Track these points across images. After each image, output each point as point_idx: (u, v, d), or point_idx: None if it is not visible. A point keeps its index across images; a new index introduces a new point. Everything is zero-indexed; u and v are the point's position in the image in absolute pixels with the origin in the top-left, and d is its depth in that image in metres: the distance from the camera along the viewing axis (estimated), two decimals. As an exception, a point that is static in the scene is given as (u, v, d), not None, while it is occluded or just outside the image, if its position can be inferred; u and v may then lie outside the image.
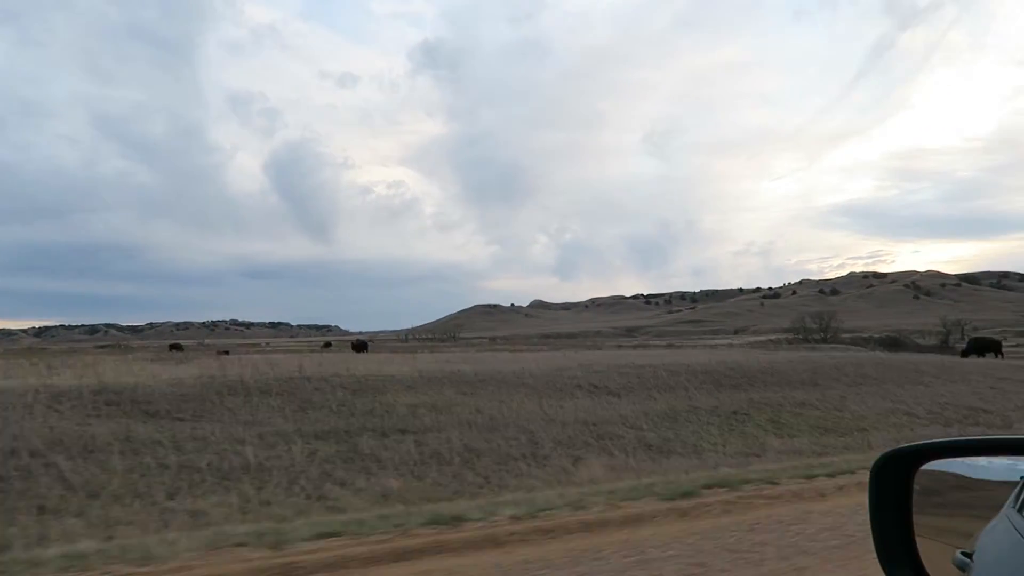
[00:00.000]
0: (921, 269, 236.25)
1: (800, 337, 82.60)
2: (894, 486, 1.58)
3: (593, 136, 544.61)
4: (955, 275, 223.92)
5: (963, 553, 1.39)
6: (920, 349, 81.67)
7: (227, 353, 65.93)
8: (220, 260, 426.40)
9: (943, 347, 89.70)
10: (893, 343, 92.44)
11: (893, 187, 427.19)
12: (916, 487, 1.56)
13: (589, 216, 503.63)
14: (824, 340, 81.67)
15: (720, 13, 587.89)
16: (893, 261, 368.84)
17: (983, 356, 36.22)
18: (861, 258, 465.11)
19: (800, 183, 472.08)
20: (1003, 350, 38.16)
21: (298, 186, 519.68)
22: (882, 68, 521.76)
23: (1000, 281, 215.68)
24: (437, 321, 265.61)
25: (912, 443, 1.65)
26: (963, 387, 18.65)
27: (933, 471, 1.55)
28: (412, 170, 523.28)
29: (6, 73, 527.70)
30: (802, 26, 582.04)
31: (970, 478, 1.52)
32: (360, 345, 50.67)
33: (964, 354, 38.87)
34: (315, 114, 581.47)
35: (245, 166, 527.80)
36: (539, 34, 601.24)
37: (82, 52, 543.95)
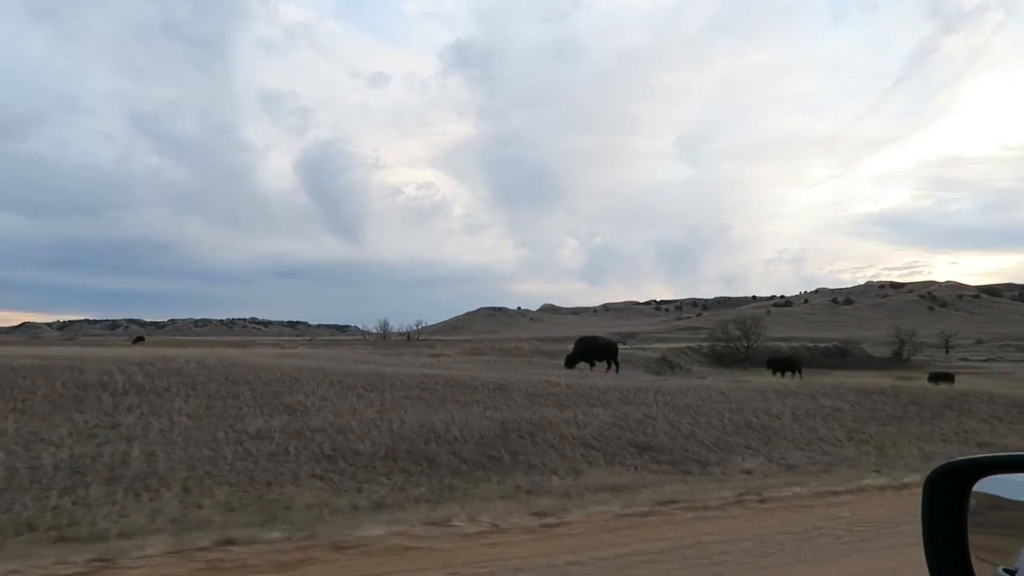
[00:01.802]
0: (964, 281, 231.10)
1: (721, 345, 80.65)
2: (948, 500, 1.55)
3: (624, 140, 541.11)
4: (975, 287, 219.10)
5: (1005, 570, 1.40)
6: (857, 363, 79.31)
7: (142, 340, 65.83)
8: (250, 258, 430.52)
9: (894, 358, 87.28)
10: (840, 353, 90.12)
11: (929, 196, 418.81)
12: (972, 502, 1.54)
13: (619, 221, 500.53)
14: (747, 349, 79.69)
15: (756, 15, 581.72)
16: (930, 272, 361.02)
17: (782, 374, 33.88)
18: (896, 268, 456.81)
19: (834, 191, 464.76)
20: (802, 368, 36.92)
21: (328, 186, 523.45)
22: (923, 74, 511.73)
23: (1022, 294, 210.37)
24: (444, 323, 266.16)
25: (970, 456, 1.61)
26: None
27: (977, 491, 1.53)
28: (442, 171, 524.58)
29: (43, 69, 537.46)
30: (841, 29, 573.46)
31: (1009, 499, 1.50)
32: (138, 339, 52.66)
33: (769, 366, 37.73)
34: (346, 114, 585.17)
35: (276, 165, 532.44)
36: (572, 35, 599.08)
37: (117, 49, 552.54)
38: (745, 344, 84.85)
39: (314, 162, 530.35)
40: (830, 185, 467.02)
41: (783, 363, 39.88)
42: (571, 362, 23.68)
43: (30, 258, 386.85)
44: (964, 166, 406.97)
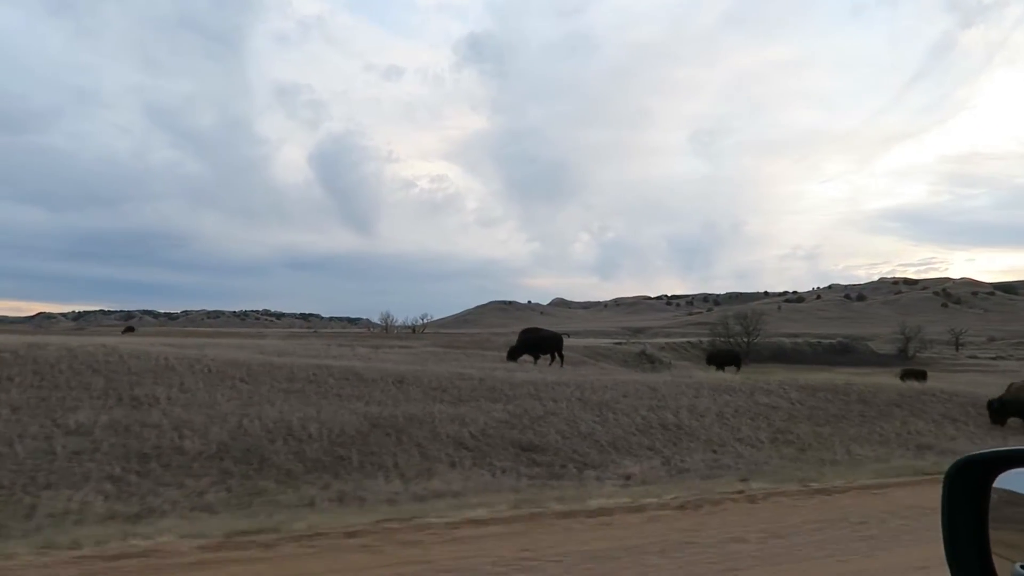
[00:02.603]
0: (980, 278, 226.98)
1: (721, 340, 79.34)
2: (969, 494, 1.53)
3: (638, 134, 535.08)
4: (990, 284, 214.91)
5: (1022, 566, 1.38)
6: (862, 360, 77.55)
7: (132, 330, 65.93)
8: (264, 251, 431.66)
9: (900, 356, 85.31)
10: (844, 350, 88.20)
11: (947, 192, 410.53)
12: (1000, 494, 1.51)
13: (632, 216, 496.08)
14: (747, 345, 78.19)
15: (772, 9, 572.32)
16: (946, 269, 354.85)
17: (723, 368, 32.18)
18: (912, 265, 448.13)
19: (850, 186, 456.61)
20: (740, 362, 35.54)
21: (342, 179, 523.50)
22: (942, 68, 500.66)
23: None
24: (454, 316, 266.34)
25: (991, 449, 1.58)
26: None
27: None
28: (455, 165, 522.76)
29: (63, 63, 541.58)
30: (859, 24, 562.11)
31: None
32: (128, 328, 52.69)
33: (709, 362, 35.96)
34: (360, 107, 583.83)
35: (290, 158, 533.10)
36: (586, 29, 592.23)
37: (135, 42, 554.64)
38: (745, 340, 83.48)
39: (328, 155, 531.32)
40: (846, 180, 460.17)
41: (722, 357, 37.89)
42: (513, 355, 22.65)
43: (48, 249, 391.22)
44: (982, 162, 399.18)
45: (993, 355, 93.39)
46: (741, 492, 7.67)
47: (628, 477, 10.01)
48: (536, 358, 22.91)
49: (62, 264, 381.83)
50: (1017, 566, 1.39)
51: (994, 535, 1.51)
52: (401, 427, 10.97)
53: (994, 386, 34.42)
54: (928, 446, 13.91)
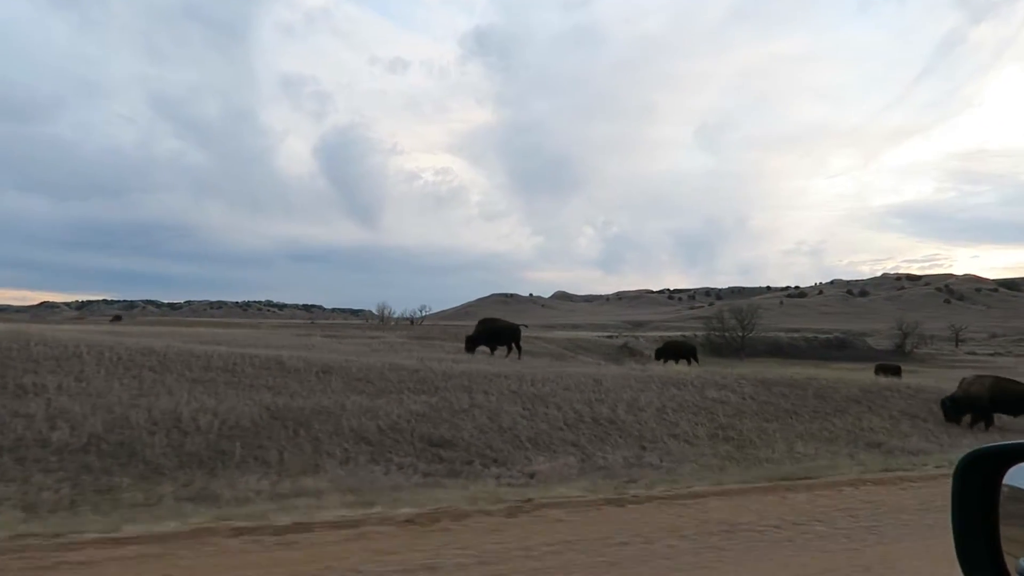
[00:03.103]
0: (985, 275, 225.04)
1: (717, 335, 78.60)
2: (979, 488, 1.52)
3: (643, 128, 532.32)
4: (993, 280, 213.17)
5: None
6: (858, 356, 76.73)
7: (119, 319, 65.80)
8: (268, 242, 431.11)
9: (897, 351, 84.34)
10: (840, 345, 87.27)
11: (952, 189, 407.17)
12: (1004, 489, 1.51)
13: (636, 210, 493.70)
14: (742, 339, 77.41)
15: (779, 4, 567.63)
16: (950, 265, 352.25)
17: (676, 362, 30.67)
18: (916, 261, 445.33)
19: (855, 182, 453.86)
20: (697, 356, 33.70)
21: (346, 171, 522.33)
22: (949, 64, 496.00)
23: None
24: (455, 308, 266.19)
25: (1000, 442, 1.58)
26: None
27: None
28: (459, 158, 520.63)
29: (68, 54, 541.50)
30: (867, 19, 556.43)
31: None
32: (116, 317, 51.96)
33: (657, 356, 34.31)
34: (365, 99, 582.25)
35: (295, 149, 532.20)
36: (592, 22, 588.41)
37: (139, 33, 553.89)
38: (740, 334, 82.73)
39: (332, 147, 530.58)
40: (852, 176, 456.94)
41: (674, 350, 35.62)
42: (470, 345, 22.01)
43: (52, 239, 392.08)
44: (988, 159, 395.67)
45: (992, 351, 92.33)
46: (612, 498, 6.99)
47: (532, 475, 9.39)
48: (493, 349, 22.25)
49: (66, 254, 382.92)
50: (1022, 561, 1.40)
51: (1005, 531, 1.49)
52: (304, 420, 10.36)
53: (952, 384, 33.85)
54: (878, 443, 13.25)
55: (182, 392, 10.94)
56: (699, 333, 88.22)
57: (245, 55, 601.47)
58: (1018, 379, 17.33)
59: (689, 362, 30.49)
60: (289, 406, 10.85)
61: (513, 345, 22.32)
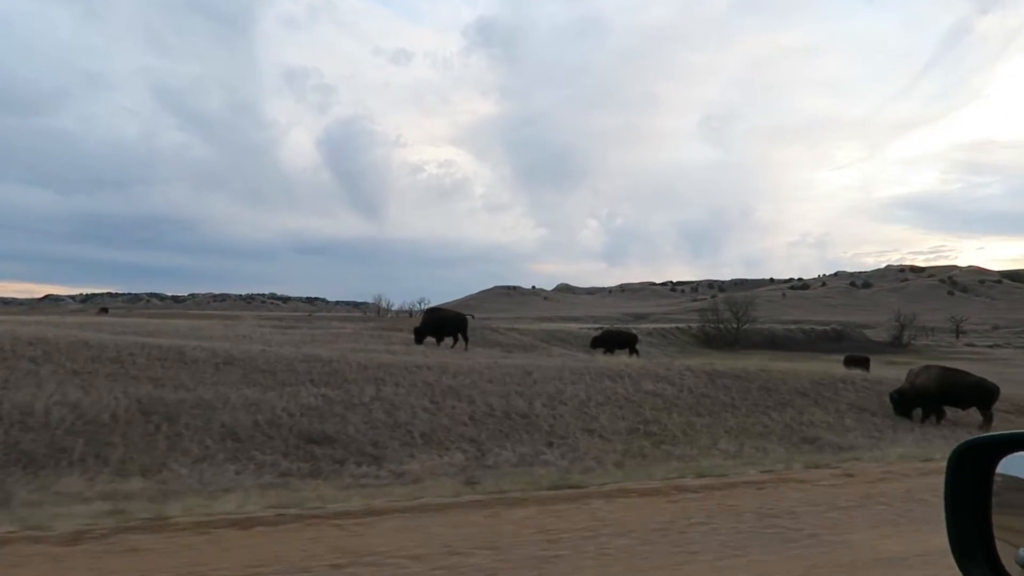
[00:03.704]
0: (991, 266, 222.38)
1: (711, 327, 77.66)
2: (973, 477, 1.53)
3: (648, 120, 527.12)
4: (998, 272, 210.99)
5: None
6: (854, 348, 75.69)
7: (106, 311, 65.47)
8: (271, 235, 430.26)
9: (894, 343, 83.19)
10: (837, 337, 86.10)
11: (958, 180, 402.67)
12: (1002, 479, 1.50)
13: (641, 202, 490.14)
14: (736, 331, 76.42)
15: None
16: (956, 257, 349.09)
17: (613, 352, 29.05)
18: (921, 253, 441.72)
19: (861, 174, 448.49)
20: (638, 345, 31.56)
21: (350, 163, 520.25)
22: (956, 55, 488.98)
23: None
24: (457, 301, 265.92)
25: (995, 432, 1.68)
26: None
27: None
28: (463, 150, 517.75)
29: (71, 46, 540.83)
30: (873, 9, 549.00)
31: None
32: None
33: (593, 345, 32.16)
34: (368, 91, 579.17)
35: (299, 142, 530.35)
36: (596, 13, 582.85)
37: (143, 25, 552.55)
38: (735, 326, 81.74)
39: (336, 139, 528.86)
40: (857, 168, 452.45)
41: (610, 340, 33.03)
42: (418, 337, 21.27)
43: (56, 232, 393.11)
44: (995, 150, 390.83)
45: (991, 343, 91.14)
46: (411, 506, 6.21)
47: (401, 475, 8.64)
48: (439, 340, 21.50)
49: (70, 247, 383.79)
50: (1021, 551, 1.39)
51: (998, 520, 1.49)
52: (174, 414, 9.64)
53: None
54: (813, 439, 12.45)
55: (51, 384, 10.22)
56: (693, 325, 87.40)
57: (248, 47, 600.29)
58: (966, 370, 16.46)
59: (630, 353, 28.73)
60: (165, 399, 10.14)
61: (460, 336, 21.56)
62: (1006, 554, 1.44)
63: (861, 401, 15.41)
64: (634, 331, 36.90)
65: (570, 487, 6.71)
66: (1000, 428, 15.16)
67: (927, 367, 15.99)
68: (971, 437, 1.61)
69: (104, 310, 69.62)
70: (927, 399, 14.70)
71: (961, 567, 1.49)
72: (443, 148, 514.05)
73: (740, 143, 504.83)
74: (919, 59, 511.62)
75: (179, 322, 36.83)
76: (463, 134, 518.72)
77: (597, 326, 75.67)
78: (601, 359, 19.72)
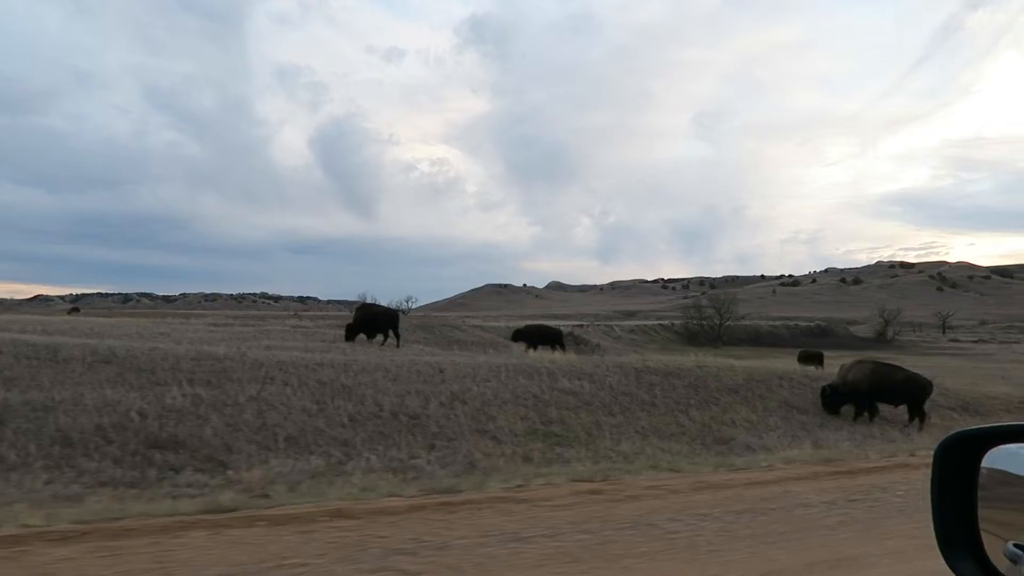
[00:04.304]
0: (982, 262, 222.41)
1: (694, 323, 77.22)
2: (958, 470, 1.53)
3: (640, 117, 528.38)
4: (987, 268, 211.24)
5: (1015, 545, 1.39)
6: (838, 344, 75.28)
7: (77, 310, 64.61)
8: (264, 233, 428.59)
9: (878, 339, 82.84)
10: (821, 333, 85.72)
11: (949, 176, 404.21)
12: (983, 471, 1.51)
13: (633, 199, 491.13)
14: (719, 327, 75.91)
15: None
16: (947, 253, 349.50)
17: (536, 348, 27.62)
18: (913, 249, 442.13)
19: (852, 170, 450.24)
20: (564, 342, 29.36)
21: (342, 161, 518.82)
22: (947, 51, 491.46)
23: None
24: (449, 299, 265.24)
25: (980, 425, 1.61)
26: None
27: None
28: (456, 148, 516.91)
29: (61, 44, 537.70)
30: (864, 5, 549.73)
31: (1019, 475, 1.47)
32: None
33: (514, 338, 30.28)
34: (361, 89, 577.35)
35: (291, 140, 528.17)
36: (589, 10, 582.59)
37: (133, 22, 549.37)
38: (717, 322, 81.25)
39: (328, 138, 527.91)
40: (849, 164, 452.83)
41: (531, 335, 30.71)
42: (350, 333, 20.46)
43: (47, 231, 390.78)
44: (986, 146, 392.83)
45: (976, 338, 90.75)
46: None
47: (235, 483, 7.83)
48: (370, 336, 20.69)
49: (61, 246, 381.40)
50: (1010, 544, 1.40)
51: (985, 514, 1.50)
52: (5, 417, 8.83)
53: (944, 370, 31.93)
54: (727, 439, 11.71)
55: None
56: (676, 321, 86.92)
57: (240, 45, 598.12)
58: (899, 364, 15.72)
59: (554, 348, 27.16)
60: (9, 401, 9.32)
61: (391, 332, 20.75)
62: (991, 546, 1.45)
63: (794, 399, 14.67)
64: (560, 326, 35.08)
65: (394, 497, 5.92)
66: (940, 425, 14.45)
67: (859, 361, 15.23)
68: (957, 430, 1.62)
69: (75, 309, 68.46)
70: (859, 396, 13.95)
71: (947, 559, 1.50)
72: (436, 146, 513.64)
73: (732, 140, 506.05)
74: (910, 55, 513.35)
75: (133, 320, 35.95)
76: (456, 132, 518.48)
77: (575, 323, 75.01)
78: (539, 356, 18.85)
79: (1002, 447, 1.48)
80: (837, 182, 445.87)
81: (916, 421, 13.83)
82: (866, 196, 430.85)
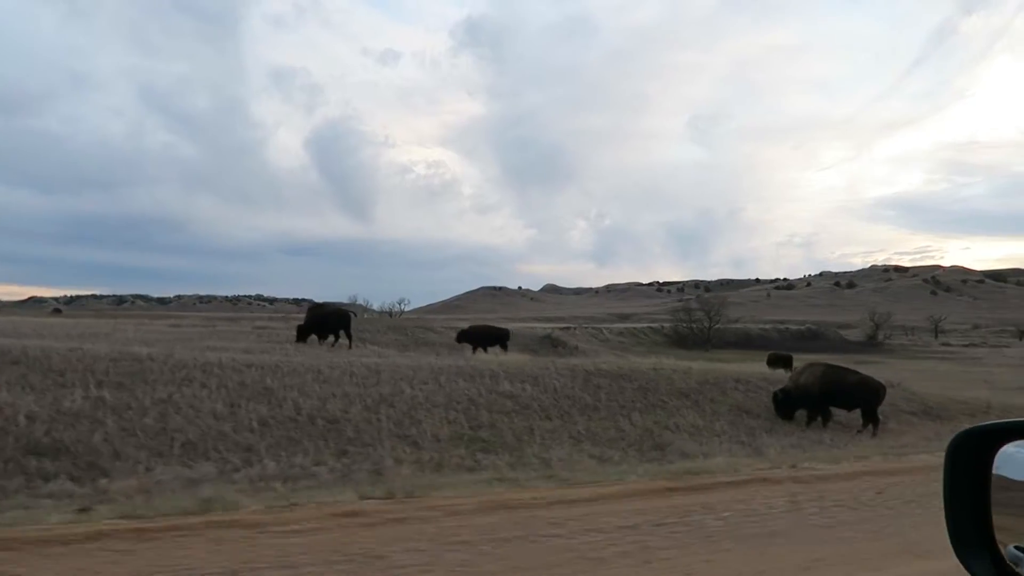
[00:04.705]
0: (976, 266, 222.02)
1: (684, 326, 76.85)
2: (971, 467, 1.52)
3: (636, 119, 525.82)
4: (981, 272, 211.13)
5: (1017, 547, 1.39)
6: (828, 347, 74.84)
7: (59, 312, 63.96)
8: (259, 235, 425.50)
9: (868, 342, 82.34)
10: (811, 336, 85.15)
11: (944, 180, 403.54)
12: (995, 468, 1.49)
13: (629, 202, 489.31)
14: (708, 330, 75.52)
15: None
16: (942, 257, 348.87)
17: (485, 349, 27.11)
18: (907, 253, 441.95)
19: (847, 174, 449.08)
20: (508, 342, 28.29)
21: (338, 164, 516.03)
22: (942, 55, 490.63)
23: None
24: (444, 302, 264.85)
25: (993, 421, 1.58)
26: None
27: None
28: (452, 151, 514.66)
29: (56, 45, 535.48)
30: (859, 9, 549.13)
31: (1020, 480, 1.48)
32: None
33: (458, 340, 29.06)
34: (356, 91, 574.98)
35: (286, 142, 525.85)
36: (585, 12, 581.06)
37: (128, 24, 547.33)
38: (707, 325, 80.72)
39: (324, 140, 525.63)
40: (844, 168, 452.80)
41: (475, 336, 29.54)
42: (301, 335, 19.90)
43: (41, 233, 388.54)
44: (980, 150, 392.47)
45: (966, 343, 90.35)
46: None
47: (105, 492, 7.27)
48: (322, 337, 20.12)
49: (55, 248, 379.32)
50: (1011, 547, 1.39)
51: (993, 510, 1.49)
52: None
53: (932, 374, 31.33)
54: (663, 445, 11.16)
55: None
56: (666, 324, 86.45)
57: (235, 47, 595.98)
58: (850, 368, 15.16)
59: (503, 349, 26.31)
60: None
61: (343, 333, 20.17)
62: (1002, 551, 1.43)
63: (747, 402, 14.13)
64: (506, 327, 33.66)
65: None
66: (896, 431, 13.94)
67: (811, 364, 14.70)
68: (970, 426, 1.60)
69: (57, 311, 67.86)
70: (810, 399, 13.40)
71: (960, 557, 1.48)
72: (432, 149, 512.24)
73: (727, 143, 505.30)
74: (905, 59, 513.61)
75: (104, 321, 35.40)
76: (452, 134, 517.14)
77: (562, 326, 74.45)
78: (482, 357, 18.28)
79: (1001, 451, 1.48)
80: (832, 186, 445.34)
81: (870, 427, 13.28)
82: (861, 200, 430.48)
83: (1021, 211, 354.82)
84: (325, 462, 9.03)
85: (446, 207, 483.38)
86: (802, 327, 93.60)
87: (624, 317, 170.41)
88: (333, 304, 25.01)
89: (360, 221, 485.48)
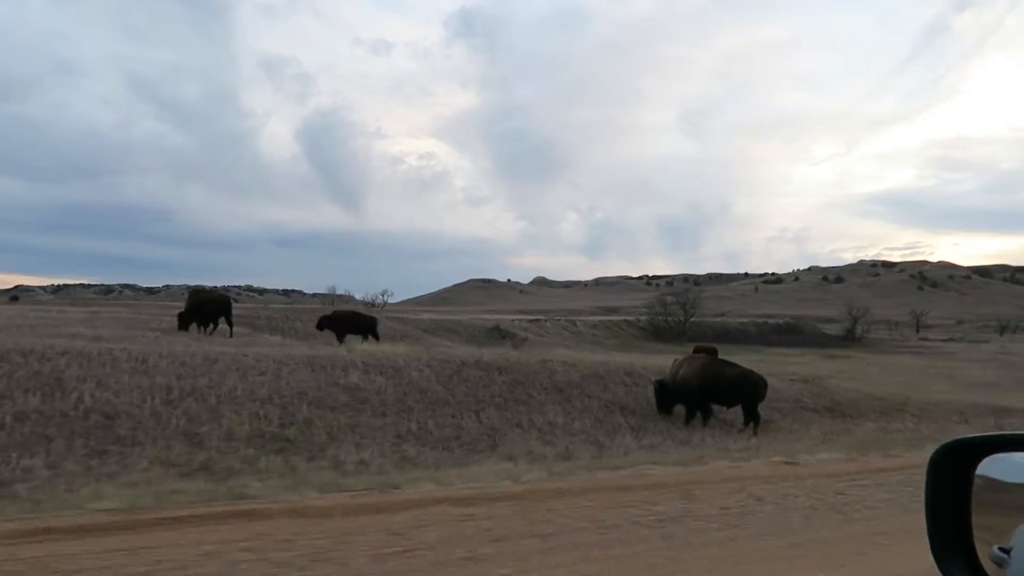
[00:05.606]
0: (965, 262, 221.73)
1: (660, 319, 76.11)
2: (952, 478, 1.54)
3: (628, 113, 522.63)
4: (967, 267, 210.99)
5: (1000, 548, 1.41)
6: (806, 341, 74.03)
7: (17, 300, 62.73)
8: (249, 226, 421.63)
9: (846, 337, 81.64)
10: (789, 330, 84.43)
11: (933, 176, 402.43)
12: (977, 480, 1.52)
13: (621, 195, 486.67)
14: (684, 324, 74.71)
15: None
16: (931, 253, 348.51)
17: (365, 338, 23.67)
18: (897, 249, 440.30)
19: (838, 169, 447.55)
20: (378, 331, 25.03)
21: (329, 154, 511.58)
22: (933, 52, 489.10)
23: (1014, 275, 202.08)
24: (432, 294, 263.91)
25: (976, 434, 1.60)
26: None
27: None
28: (443, 142, 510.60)
29: (42, 32, 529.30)
30: (851, 5, 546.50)
31: (1006, 481, 1.49)
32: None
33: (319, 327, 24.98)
34: (348, 82, 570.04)
35: (277, 132, 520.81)
36: (577, 4, 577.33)
37: (116, 11, 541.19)
38: (682, 319, 79.88)
39: (315, 130, 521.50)
40: (834, 163, 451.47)
41: (336, 324, 25.69)
42: (182, 322, 18.66)
43: (28, 221, 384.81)
44: (970, 146, 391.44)
45: (945, 337, 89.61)
46: None
47: None
48: (202, 325, 18.89)
49: (43, 237, 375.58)
50: (995, 548, 1.42)
51: (977, 520, 1.51)
52: None
53: (897, 370, 30.16)
54: (492, 447, 9.97)
55: None
56: (642, 317, 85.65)
57: (225, 35, 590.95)
58: (734, 362, 13.98)
59: (366, 338, 23.71)
60: None
61: (221, 320, 18.96)
62: (984, 554, 1.46)
63: (627, 398, 12.97)
64: (373, 314, 30.97)
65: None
66: (787, 428, 12.79)
67: (691, 356, 13.53)
68: (953, 438, 1.59)
69: (15, 299, 66.45)
70: (689, 394, 12.25)
71: (940, 566, 1.51)
72: (424, 140, 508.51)
73: (719, 137, 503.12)
74: (896, 55, 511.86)
75: (35, 311, 34.05)
76: (444, 126, 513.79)
77: (532, 318, 73.36)
78: (366, 348, 16.92)
79: (994, 457, 1.50)
80: (823, 181, 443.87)
81: (751, 425, 12.13)
82: (851, 195, 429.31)
83: (1009, 207, 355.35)
84: (62, 464, 7.80)
85: (437, 199, 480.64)
86: (780, 321, 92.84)
87: (611, 310, 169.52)
88: (214, 290, 23.65)
89: (351, 212, 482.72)
